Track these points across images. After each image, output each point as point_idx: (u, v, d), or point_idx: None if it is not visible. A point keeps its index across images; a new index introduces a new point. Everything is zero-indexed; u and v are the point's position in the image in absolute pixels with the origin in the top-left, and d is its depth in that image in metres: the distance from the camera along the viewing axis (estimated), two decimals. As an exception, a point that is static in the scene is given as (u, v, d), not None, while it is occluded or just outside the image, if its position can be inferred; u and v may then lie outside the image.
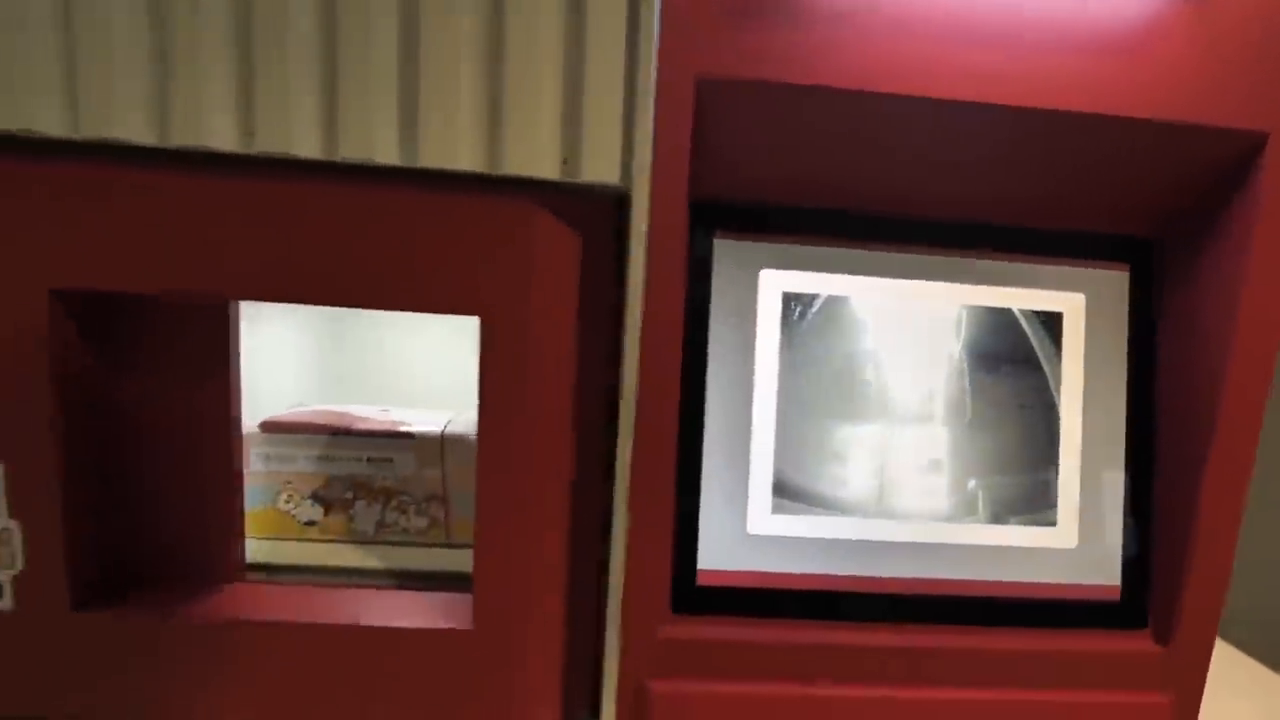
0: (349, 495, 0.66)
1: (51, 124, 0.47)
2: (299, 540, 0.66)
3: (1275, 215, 0.56)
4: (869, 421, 0.64)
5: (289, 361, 0.83)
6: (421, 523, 0.66)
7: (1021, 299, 0.65)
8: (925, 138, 0.55)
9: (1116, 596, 0.65)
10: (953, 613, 0.63)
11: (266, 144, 0.47)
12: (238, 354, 0.58)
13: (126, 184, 0.48)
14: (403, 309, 0.51)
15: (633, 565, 0.54)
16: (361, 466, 0.66)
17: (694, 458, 0.61)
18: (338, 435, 0.67)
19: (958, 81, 0.52)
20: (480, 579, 0.54)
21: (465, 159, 0.48)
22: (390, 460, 0.66)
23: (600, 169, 0.48)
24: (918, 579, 0.63)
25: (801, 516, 0.63)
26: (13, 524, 0.51)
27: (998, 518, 0.64)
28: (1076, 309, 0.65)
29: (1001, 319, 0.64)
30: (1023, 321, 0.65)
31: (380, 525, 0.66)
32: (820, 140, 0.56)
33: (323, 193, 0.49)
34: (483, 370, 0.51)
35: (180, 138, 0.47)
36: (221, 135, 0.47)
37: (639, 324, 0.50)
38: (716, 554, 0.62)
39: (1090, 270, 0.65)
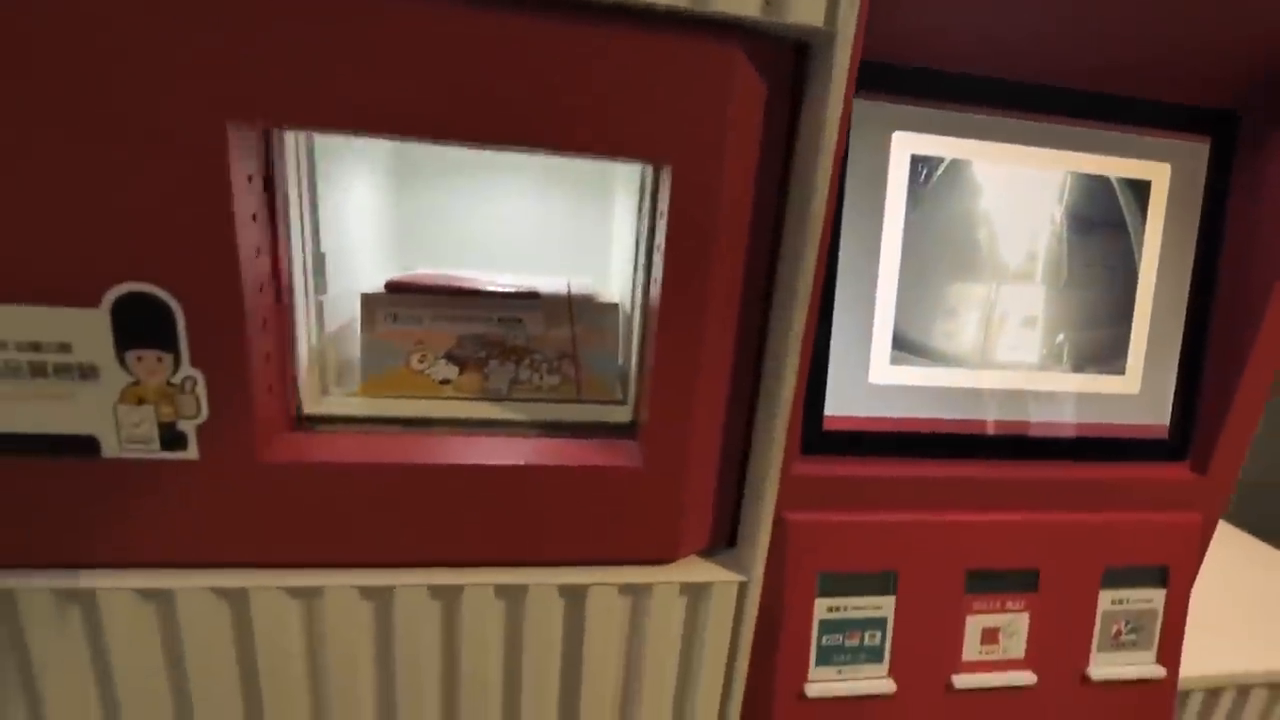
0: (482, 354, 0.67)
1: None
2: (435, 398, 0.67)
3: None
4: (978, 280, 0.69)
5: (358, 224, 0.80)
6: (553, 380, 0.68)
7: (1116, 167, 0.70)
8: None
9: (1165, 435, 0.75)
10: (1035, 449, 0.72)
11: None
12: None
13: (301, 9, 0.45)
14: (592, 153, 0.51)
15: (778, 410, 0.59)
16: (492, 326, 0.67)
17: (826, 313, 0.65)
18: (464, 296, 0.67)
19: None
20: (654, 420, 0.57)
21: (672, -6, 0.47)
22: (520, 320, 0.67)
23: (805, 9, 0.48)
24: (1010, 420, 0.71)
25: (916, 368, 0.68)
26: (195, 372, 0.51)
27: (1078, 367, 0.72)
28: (1163, 178, 0.71)
29: (1098, 185, 0.70)
30: (1116, 189, 0.70)
31: (514, 383, 0.68)
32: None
33: (511, 24, 0.47)
34: (671, 221, 0.52)
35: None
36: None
37: (828, 179, 0.52)
38: (840, 401, 0.67)
39: (1177, 141, 0.70)
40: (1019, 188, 0.68)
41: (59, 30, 0.43)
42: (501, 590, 0.59)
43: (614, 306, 0.70)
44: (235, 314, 0.50)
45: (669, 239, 0.53)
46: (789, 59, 0.53)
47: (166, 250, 0.48)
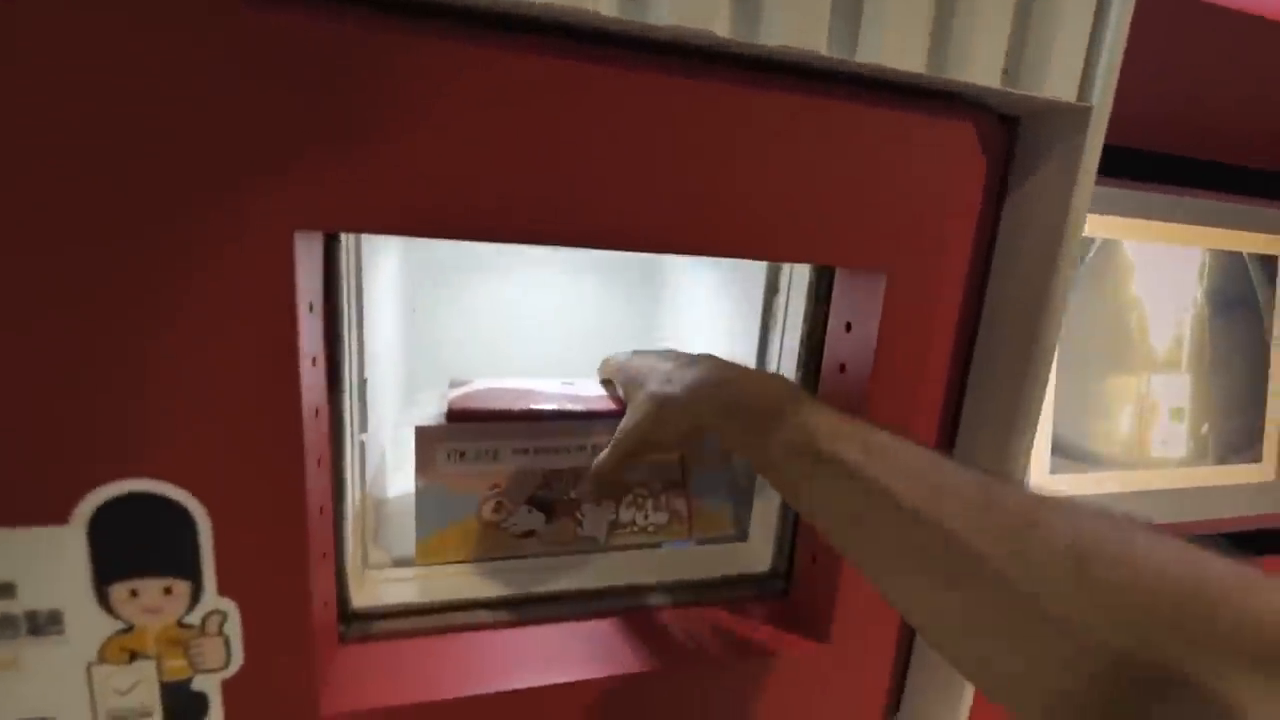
0: (571, 495, 0.51)
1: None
2: (512, 559, 0.50)
3: None
4: (1130, 372, 0.61)
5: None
6: (660, 518, 0.54)
7: (1248, 242, 0.64)
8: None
9: (1297, 522, 0.70)
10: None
11: (639, 12, 0.31)
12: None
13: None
14: (795, 259, 0.38)
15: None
16: (579, 457, 0.52)
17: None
18: (540, 421, 0.51)
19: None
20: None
21: (912, 57, 0.35)
22: (596, 447, 0.50)
23: (1057, 82, 0.38)
24: (1163, 524, 0.63)
25: (1075, 475, 0.59)
26: (225, 603, 0.33)
27: (1222, 459, 0.65)
28: (1288, 251, 0.66)
29: (1233, 262, 0.64)
30: (1248, 265, 0.65)
31: (614, 526, 0.53)
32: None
33: (701, 94, 0.34)
34: (882, 333, 0.40)
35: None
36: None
37: (1072, 269, 0.41)
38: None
39: (1298, 213, 0.66)
40: (1164, 268, 0.61)
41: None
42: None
43: None
44: (293, 503, 0.33)
45: (880, 350, 0.40)
46: (1003, 136, 0.42)
47: (190, 423, 0.31)
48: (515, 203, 0.32)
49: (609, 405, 0.53)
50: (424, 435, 0.48)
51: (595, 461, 0.46)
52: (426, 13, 0.30)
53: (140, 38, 0.27)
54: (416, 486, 0.48)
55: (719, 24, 0.32)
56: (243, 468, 0.32)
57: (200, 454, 0.31)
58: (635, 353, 0.51)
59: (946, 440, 0.47)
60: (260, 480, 0.32)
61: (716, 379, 0.38)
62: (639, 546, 0.53)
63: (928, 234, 0.40)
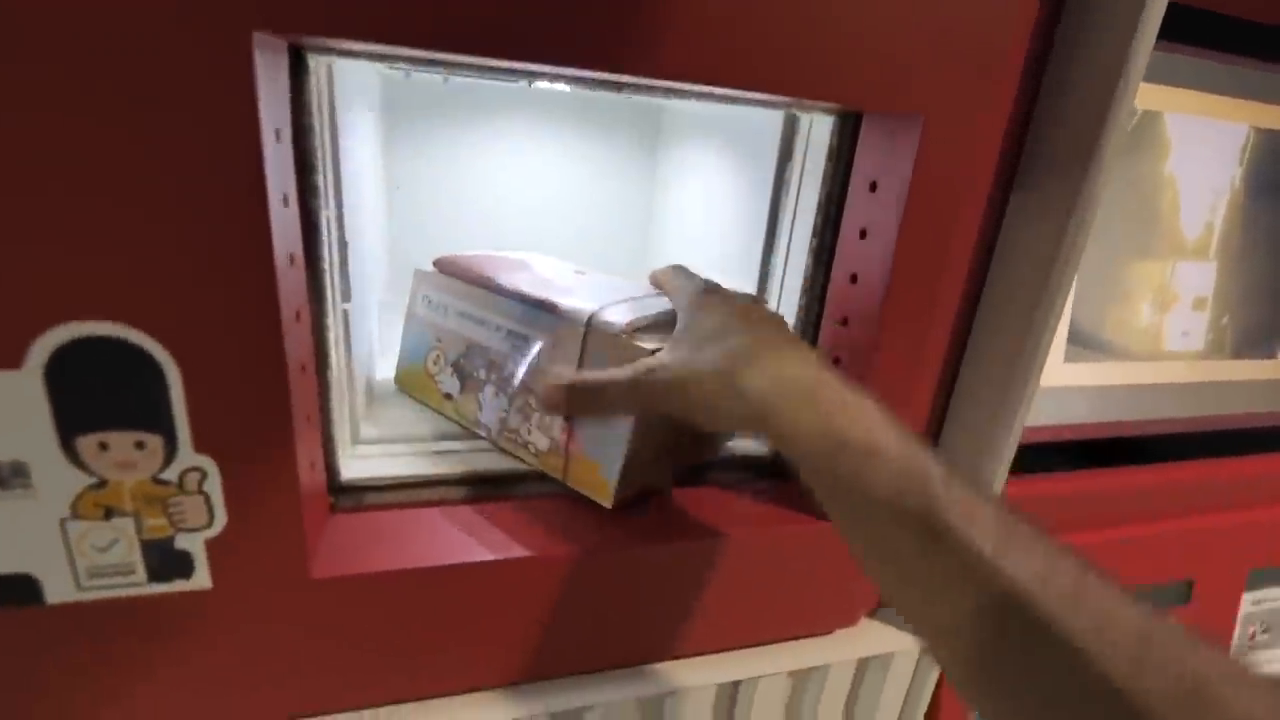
0: (481, 373, 0.47)
1: None
2: (438, 413, 0.51)
3: None
4: (1157, 258, 0.58)
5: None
6: (541, 443, 0.44)
7: (1300, 120, 0.60)
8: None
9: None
10: (1206, 445, 0.64)
11: None
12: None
13: None
14: (827, 98, 0.34)
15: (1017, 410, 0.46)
16: (500, 340, 0.46)
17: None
18: (487, 292, 0.47)
19: None
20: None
21: None
22: (525, 339, 0.44)
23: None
24: (1176, 418, 0.62)
25: (1087, 364, 0.57)
26: (202, 460, 0.31)
27: (1238, 353, 0.64)
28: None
29: (1277, 143, 0.60)
30: (1292, 147, 0.60)
31: (503, 426, 0.46)
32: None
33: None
34: (913, 192, 0.37)
35: None
36: None
37: (1119, 133, 0.37)
38: (1012, 411, 0.55)
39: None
40: (1206, 144, 0.57)
41: None
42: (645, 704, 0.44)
43: (641, 353, 0.39)
44: (271, 357, 0.30)
45: (908, 217, 0.37)
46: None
47: (148, 260, 0.27)
48: (500, 9, 0.28)
49: (538, 296, 0.44)
50: (418, 276, 0.52)
51: (587, 373, 0.38)
52: None
53: None
54: (405, 318, 0.53)
55: None
56: (211, 313, 0.29)
57: (163, 296, 0.28)
58: (711, 287, 0.39)
59: (962, 328, 0.44)
60: (232, 328, 0.29)
61: (813, 379, 0.30)
62: (518, 462, 0.46)
63: (971, 74, 0.35)
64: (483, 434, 0.47)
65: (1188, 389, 0.62)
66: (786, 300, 0.49)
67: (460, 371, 0.49)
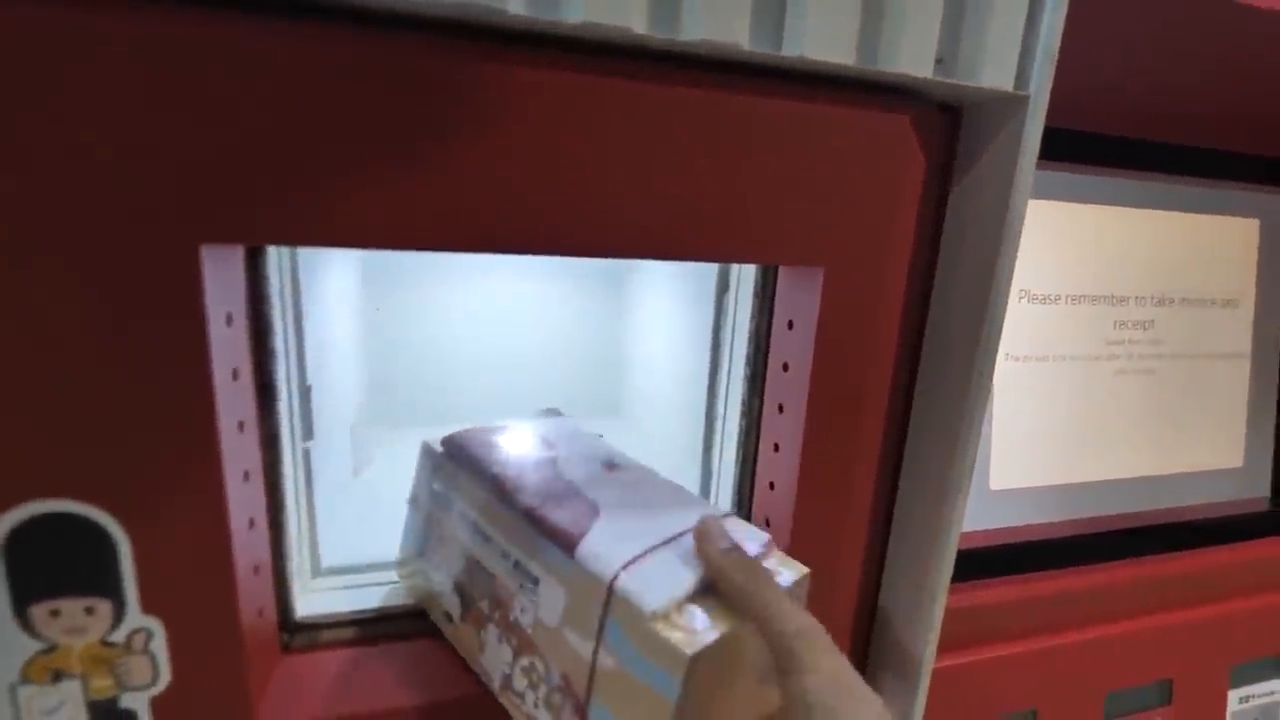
0: (485, 607, 0.38)
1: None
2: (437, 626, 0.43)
3: None
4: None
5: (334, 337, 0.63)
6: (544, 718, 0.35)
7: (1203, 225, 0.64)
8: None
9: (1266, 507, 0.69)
10: (1151, 542, 0.64)
11: (551, 9, 0.30)
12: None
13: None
14: (729, 259, 0.37)
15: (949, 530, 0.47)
16: (506, 571, 0.37)
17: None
18: (503, 503, 0.38)
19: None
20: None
21: (840, 49, 0.34)
22: (535, 583, 0.35)
23: (993, 72, 0.37)
24: (1122, 514, 0.63)
25: (1038, 468, 0.59)
26: (149, 621, 0.33)
27: (1181, 445, 0.65)
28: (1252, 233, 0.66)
29: (1194, 243, 0.63)
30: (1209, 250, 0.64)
31: (506, 682, 0.37)
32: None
33: (636, 95, 0.33)
34: (820, 332, 0.40)
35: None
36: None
37: (1012, 270, 0.41)
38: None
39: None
40: (1121, 252, 0.61)
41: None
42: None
43: (677, 656, 0.29)
44: (215, 520, 0.33)
45: (819, 348, 0.40)
46: (945, 126, 0.42)
47: (102, 441, 0.30)
48: (419, 209, 0.32)
49: (598, 549, 0.33)
50: (424, 456, 0.45)
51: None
52: (299, 11, 0.30)
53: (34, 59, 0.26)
54: (409, 500, 0.47)
55: (636, 19, 0.32)
56: (160, 485, 0.31)
57: (115, 473, 0.31)
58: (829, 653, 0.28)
59: (896, 440, 0.46)
60: (178, 497, 0.32)
61: None
62: None
63: (867, 228, 0.39)
64: (481, 677, 0.39)
65: (1130, 485, 0.63)
66: (731, 423, 0.51)
67: (462, 594, 0.40)
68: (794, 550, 0.42)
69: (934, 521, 0.44)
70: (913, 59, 0.36)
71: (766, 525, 0.46)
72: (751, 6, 0.33)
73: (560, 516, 0.35)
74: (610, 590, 0.31)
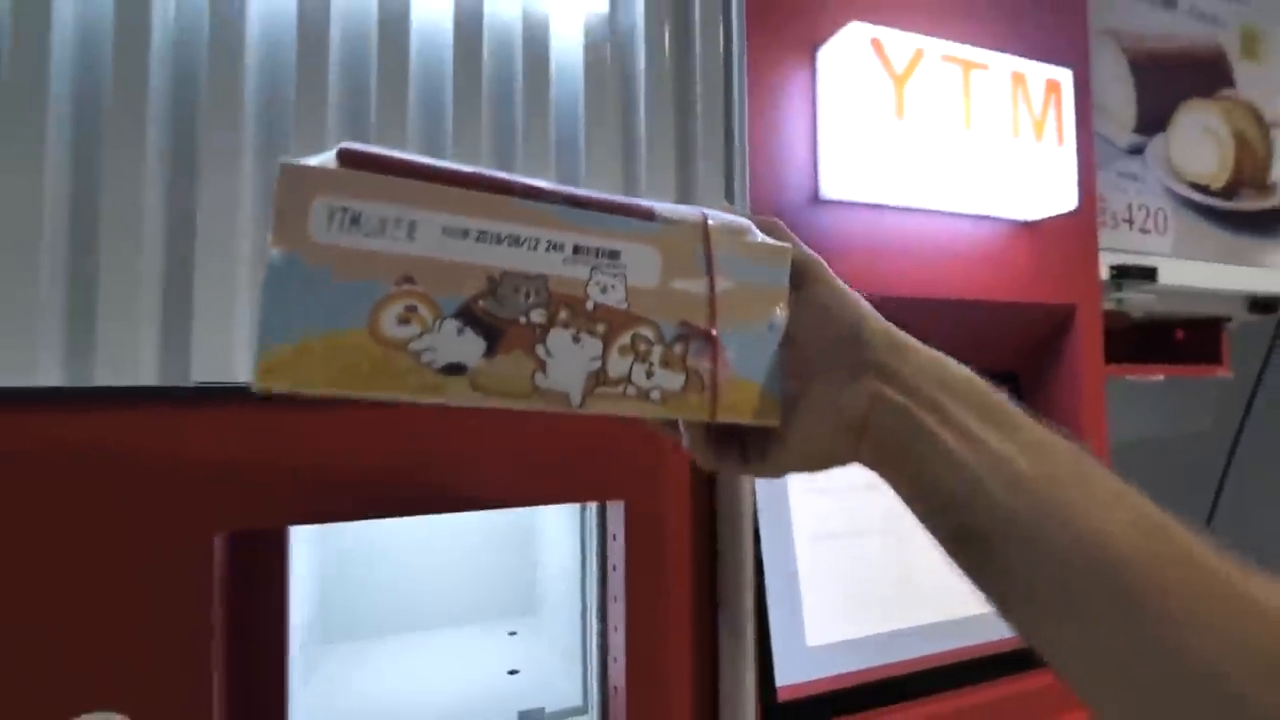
0: (537, 318, 0.31)
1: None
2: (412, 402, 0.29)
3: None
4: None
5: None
6: (673, 382, 0.33)
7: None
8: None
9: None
10: (962, 675, 0.80)
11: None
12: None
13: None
14: (547, 501, 0.59)
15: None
16: (556, 260, 0.32)
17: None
18: (508, 195, 0.32)
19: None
20: None
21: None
22: (614, 256, 0.33)
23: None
24: (937, 653, 0.80)
25: (851, 621, 0.77)
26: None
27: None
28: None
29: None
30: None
31: (598, 379, 0.32)
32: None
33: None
34: (629, 544, 0.60)
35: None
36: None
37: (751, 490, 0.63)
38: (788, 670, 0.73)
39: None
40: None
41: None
42: None
43: (783, 251, 0.36)
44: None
45: (630, 560, 0.60)
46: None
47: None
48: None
49: (603, 198, 0.33)
50: (294, 178, 0.28)
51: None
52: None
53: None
54: (271, 262, 0.28)
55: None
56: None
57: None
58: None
59: (708, 618, 0.65)
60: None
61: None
62: (632, 416, 0.35)
63: (648, 475, 0.61)
64: (545, 405, 0.32)
65: (942, 627, 0.81)
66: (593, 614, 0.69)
67: (484, 324, 0.31)
68: (632, 701, 0.59)
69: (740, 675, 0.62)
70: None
71: (615, 692, 0.63)
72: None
73: (613, 196, 0.35)
74: (705, 229, 0.35)
